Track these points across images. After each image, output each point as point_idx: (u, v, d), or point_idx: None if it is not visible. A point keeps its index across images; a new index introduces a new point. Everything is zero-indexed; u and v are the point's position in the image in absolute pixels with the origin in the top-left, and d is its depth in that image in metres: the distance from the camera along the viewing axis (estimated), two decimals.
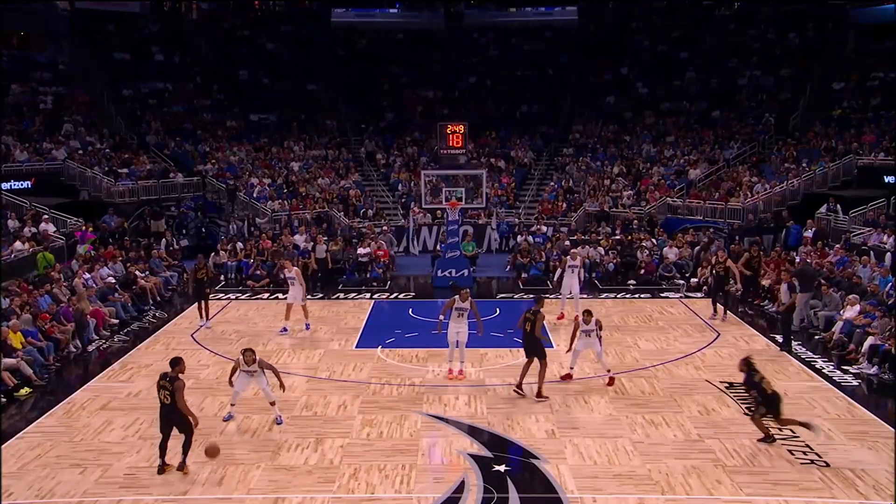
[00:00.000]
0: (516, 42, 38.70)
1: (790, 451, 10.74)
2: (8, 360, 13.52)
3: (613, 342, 16.12)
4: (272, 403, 11.87)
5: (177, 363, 10.27)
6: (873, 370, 14.04)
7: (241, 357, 11.57)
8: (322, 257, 23.72)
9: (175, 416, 10.06)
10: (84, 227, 22.80)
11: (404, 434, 11.41)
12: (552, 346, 15.63)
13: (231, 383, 11.82)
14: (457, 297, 13.75)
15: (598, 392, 13.09)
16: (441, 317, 13.91)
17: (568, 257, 18.45)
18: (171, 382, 10.01)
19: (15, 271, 18.41)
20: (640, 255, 23.36)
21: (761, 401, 10.97)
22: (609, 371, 13.55)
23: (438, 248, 25.22)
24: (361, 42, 38.99)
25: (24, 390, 13.36)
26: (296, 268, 17.76)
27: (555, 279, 19.01)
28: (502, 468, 10.28)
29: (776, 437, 11.05)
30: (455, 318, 13.63)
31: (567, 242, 24.29)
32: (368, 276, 22.89)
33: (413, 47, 38.50)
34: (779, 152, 29.54)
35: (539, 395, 12.83)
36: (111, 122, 32.02)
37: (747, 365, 11.14)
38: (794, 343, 15.68)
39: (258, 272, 22.49)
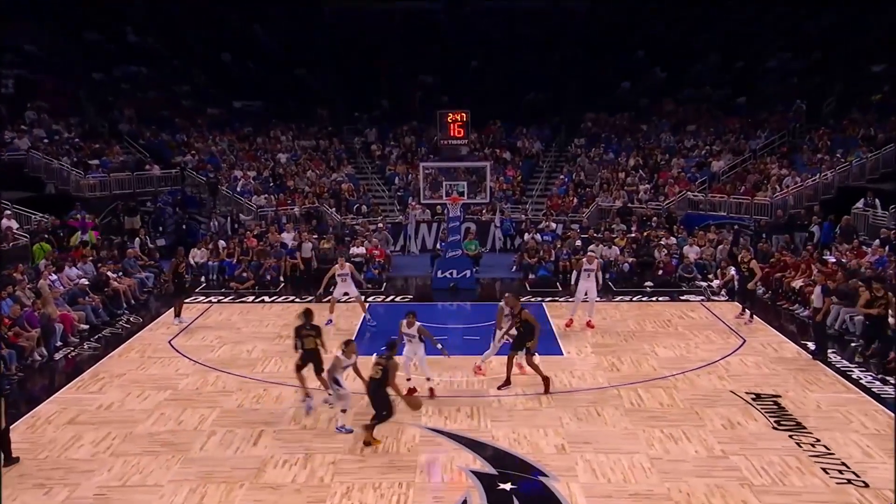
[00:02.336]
0: (522, 23, 38.63)
1: (824, 469, 10.66)
2: None
3: (629, 349, 16.06)
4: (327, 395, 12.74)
5: (393, 346, 12.09)
6: None
7: (342, 349, 12.09)
8: (308, 256, 23.74)
9: (379, 394, 11.34)
10: (80, 216, 22.75)
11: (401, 449, 11.35)
12: (561, 353, 15.63)
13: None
14: (502, 303, 14.38)
15: (612, 404, 13.03)
16: (503, 326, 14.26)
17: (584, 260, 18.34)
18: (387, 360, 11.49)
19: None
20: (657, 255, 23.32)
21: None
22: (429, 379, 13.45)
23: (438, 247, 25.20)
24: (355, 24, 38.93)
25: None
26: (349, 263, 18.76)
27: (571, 283, 18.81)
28: (508, 486, 10.22)
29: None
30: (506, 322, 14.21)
31: (578, 242, 24.24)
32: (362, 277, 22.82)
33: (411, 29, 38.44)
34: (811, 142, 29.44)
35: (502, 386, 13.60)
36: (80, 108, 31.96)
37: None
38: (828, 351, 15.61)
39: (244, 273, 22.45)
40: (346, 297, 18.33)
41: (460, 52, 37.38)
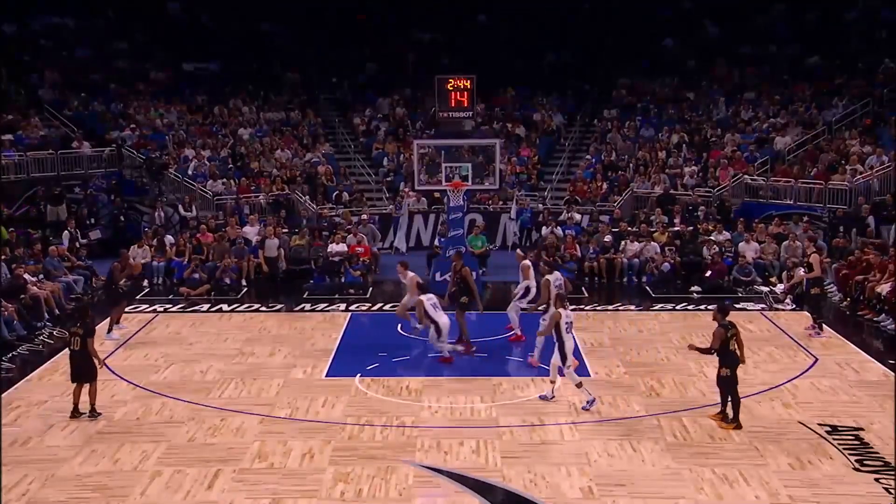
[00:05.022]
0: None
1: None
2: None
3: (671, 370, 16.07)
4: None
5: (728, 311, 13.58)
6: None
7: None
8: (273, 255, 23.74)
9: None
10: None
11: (391, 492, 11.35)
12: (588, 374, 15.63)
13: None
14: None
15: (650, 437, 13.01)
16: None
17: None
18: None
19: None
20: (706, 253, 23.33)
21: None
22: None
23: (437, 243, 25.18)
24: None
25: None
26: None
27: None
28: None
29: None
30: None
31: (608, 237, 24.22)
32: (343, 280, 22.90)
33: None
34: None
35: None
36: None
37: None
38: None
39: (195, 275, 22.47)
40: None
41: (464, 3, 37.31)
